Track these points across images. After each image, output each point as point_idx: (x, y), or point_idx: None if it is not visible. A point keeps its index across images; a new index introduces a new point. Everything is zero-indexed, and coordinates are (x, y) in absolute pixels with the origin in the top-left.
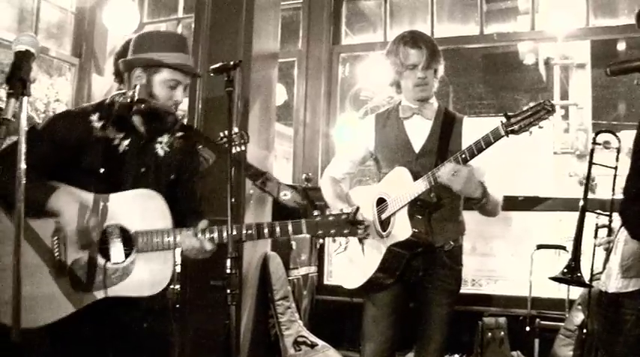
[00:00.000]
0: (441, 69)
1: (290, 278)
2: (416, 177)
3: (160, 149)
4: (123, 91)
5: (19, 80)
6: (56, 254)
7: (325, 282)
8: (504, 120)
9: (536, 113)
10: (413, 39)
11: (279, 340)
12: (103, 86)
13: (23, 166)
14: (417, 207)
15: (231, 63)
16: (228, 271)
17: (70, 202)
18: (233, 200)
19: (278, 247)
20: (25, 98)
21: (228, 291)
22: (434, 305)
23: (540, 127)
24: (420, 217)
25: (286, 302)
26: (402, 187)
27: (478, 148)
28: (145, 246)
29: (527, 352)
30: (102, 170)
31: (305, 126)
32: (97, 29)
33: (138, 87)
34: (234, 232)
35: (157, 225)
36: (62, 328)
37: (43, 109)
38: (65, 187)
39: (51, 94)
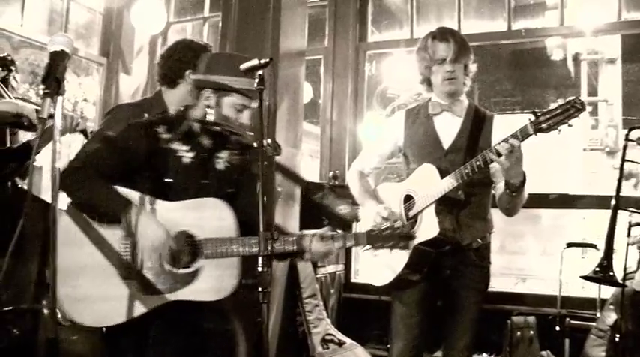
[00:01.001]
0: (473, 66)
1: (317, 276)
2: (444, 174)
3: (220, 164)
4: (187, 104)
5: (54, 80)
6: (126, 258)
7: (352, 280)
8: (532, 118)
9: (566, 111)
10: (441, 34)
11: (307, 338)
12: (130, 85)
13: (58, 165)
14: (445, 205)
15: (262, 61)
16: (259, 269)
17: (141, 226)
18: (265, 199)
19: None
20: (60, 97)
21: (260, 289)
22: (462, 303)
23: (570, 126)
24: (447, 214)
25: (314, 300)
26: (430, 184)
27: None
28: (211, 253)
29: (558, 351)
30: (168, 180)
31: (332, 124)
32: (125, 29)
33: (213, 110)
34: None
35: (224, 233)
36: (130, 330)
37: (70, 108)
38: (135, 194)
39: (78, 93)
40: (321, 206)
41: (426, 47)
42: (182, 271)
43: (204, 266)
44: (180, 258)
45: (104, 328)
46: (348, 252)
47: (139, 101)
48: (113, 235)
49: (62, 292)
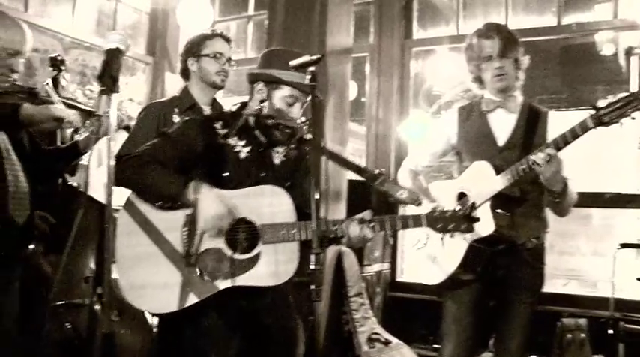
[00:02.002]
0: (524, 59)
1: (363, 275)
2: (498, 171)
3: (277, 158)
4: (244, 101)
5: (109, 77)
6: (186, 244)
7: (398, 279)
8: (593, 112)
9: (629, 103)
10: (485, 30)
11: (352, 337)
12: (176, 84)
13: (112, 163)
14: (500, 202)
15: (314, 57)
16: (312, 266)
17: (200, 197)
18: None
19: None
20: (115, 95)
21: (312, 287)
22: (515, 304)
23: (633, 118)
24: (503, 212)
25: (360, 299)
26: (484, 181)
27: (564, 140)
28: (270, 238)
29: (611, 356)
30: (225, 175)
31: (378, 122)
32: (170, 28)
33: (266, 103)
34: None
35: (282, 219)
36: (191, 315)
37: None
38: (196, 182)
39: (124, 93)
40: (380, 192)
41: (472, 46)
42: (242, 256)
43: (263, 252)
44: (239, 243)
45: (159, 316)
46: (394, 250)
47: (169, 98)
48: (175, 222)
49: (123, 280)
